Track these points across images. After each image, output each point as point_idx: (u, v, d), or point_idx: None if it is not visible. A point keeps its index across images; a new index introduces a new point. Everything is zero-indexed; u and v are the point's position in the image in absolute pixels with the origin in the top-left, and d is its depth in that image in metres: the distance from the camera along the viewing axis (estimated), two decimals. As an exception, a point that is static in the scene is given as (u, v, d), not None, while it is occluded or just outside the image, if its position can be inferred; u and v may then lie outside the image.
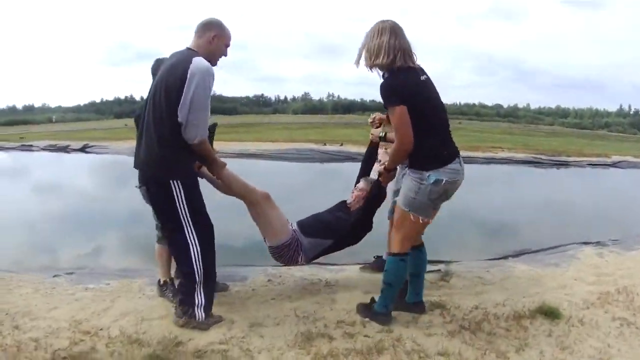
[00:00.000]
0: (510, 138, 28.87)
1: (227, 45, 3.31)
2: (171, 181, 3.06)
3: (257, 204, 3.54)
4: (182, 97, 2.90)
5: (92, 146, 20.78)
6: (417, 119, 2.90)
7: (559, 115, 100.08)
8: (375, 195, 3.65)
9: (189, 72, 2.90)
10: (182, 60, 2.98)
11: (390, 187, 3.74)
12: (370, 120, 4.23)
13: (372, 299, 3.34)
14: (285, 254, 3.62)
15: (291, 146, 17.27)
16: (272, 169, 14.30)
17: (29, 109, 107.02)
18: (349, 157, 15.58)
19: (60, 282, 4.20)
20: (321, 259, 4.10)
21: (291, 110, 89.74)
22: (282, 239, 3.59)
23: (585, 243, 5.84)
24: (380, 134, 3.87)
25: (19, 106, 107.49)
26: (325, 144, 17.33)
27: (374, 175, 3.93)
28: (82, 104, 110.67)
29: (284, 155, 15.92)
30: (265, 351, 2.84)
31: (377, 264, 4.31)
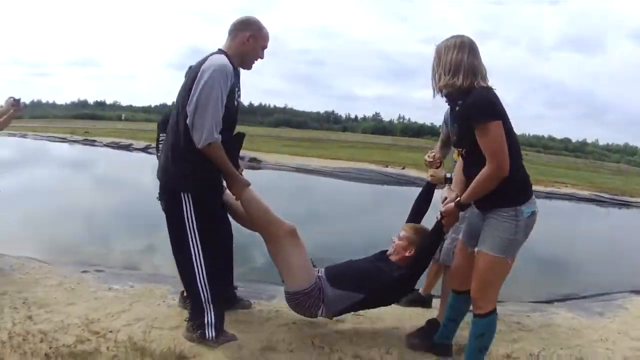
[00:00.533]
0: (575, 173, 28.42)
1: (264, 47, 3.15)
2: (182, 193, 2.97)
3: (278, 238, 3.13)
4: (190, 97, 2.81)
5: (155, 147, 21.18)
6: (508, 143, 2.54)
7: (627, 153, 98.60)
8: (432, 243, 3.16)
9: (201, 69, 2.82)
10: (201, 61, 2.92)
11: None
12: (429, 159, 3.66)
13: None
14: (303, 302, 3.17)
15: (352, 165, 17.22)
16: (326, 186, 14.36)
17: (100, 104, 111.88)
18: (409, 181, 15.46)
19: (86, 279, 4.31)
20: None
21: (360, 130, 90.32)
22: (302, 285, 3.13)
23: (637, 292, 5.57)
24: (448, 175, 3.49)
25: (91, 101, 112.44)
26: (387, 166, 17.22)
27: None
28: (152, 105, 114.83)
29: (342, 174, 15.86)
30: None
31: (413, 298, 4.16)
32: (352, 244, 6.42)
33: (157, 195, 3.38)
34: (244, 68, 3.12)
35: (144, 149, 21.15)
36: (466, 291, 2.84)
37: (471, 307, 2.84)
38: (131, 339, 3.06)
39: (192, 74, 2.88)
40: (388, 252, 3.40)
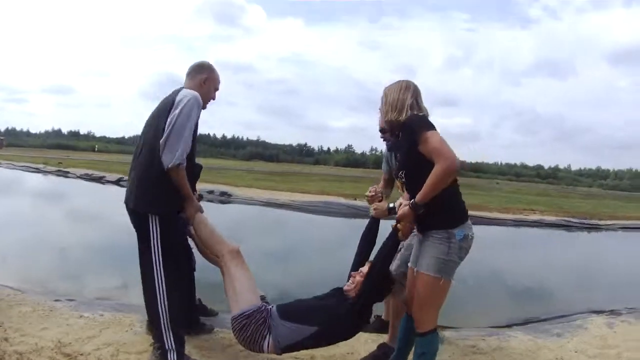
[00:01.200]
0: (545, 200, 28.84)
1: (217, 89, 3.59)
2: (149, 215, 3.22)
3: (223, 257, 3.24)
4: (166, 122, 3.11)
5: (127, 180, 21.27)
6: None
7: (599, 177, 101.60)
8: (387, 253, 3.04)
9: (177, 99, 3.17)
10: (172, 93, 3.29)
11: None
12: (370, 194, 3.77)
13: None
14: (246, 327, 3.02)
15: (321, 199, 17.47)
16: (294, 220, 14.57)
17: (74, 134, 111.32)
18: None
19: (58, 307, 4.55)
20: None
21: (333, 162, 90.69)
22: (244, 307, 3.05)
23: (597, 312, 5.72)
24: (391, 205, 3.53)
25: (65, 130, 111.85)
26: (355, 199, 17.55)
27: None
28: (126, 136, 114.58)
29: (310, 208, 16.07)
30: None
31: (377, 325, 4.41)
32: (316, 278, 6.75)
33: None
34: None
35: (117, 182, 21.24)
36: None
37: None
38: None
39: (163, 104, 3.24)
40: (345, 289, 3.24)
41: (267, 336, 2.98)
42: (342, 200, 17.62)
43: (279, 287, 6.19)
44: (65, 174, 24.95)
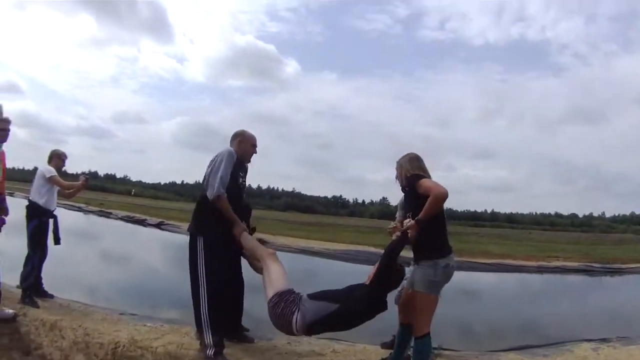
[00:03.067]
0: (574, 248, 28.88)
1: (254, 145, 4.69)
2: (197, 237, 4.27)
3: (263, 259, 4.02)
4: (208, 166, 4.27)
5: (167, 224, 22.61)
6: (433, 220, 3.79)
7: (633, 222, 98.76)
8: (398, 248, 3.76)
9: (218, 153, 4.30)
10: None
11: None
12: (390, 228, 4.84)
13: None
14: (278, 305, 3.55)
15: (353, 248, 18.11)
16: (326, 267, 15.27)
17: (110, 177, 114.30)
18: (406, 263, 16.00)
19: (124, 318, 5.45)
20: (336, 335, 5.09)
21: (368, 214, 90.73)
22: (278, 288, 3.67)
23: (589, 340, 6.15)
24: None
25: (101, 173, 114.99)
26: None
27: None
28: (162, 183, 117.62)
29: (342, 256, 16.68)
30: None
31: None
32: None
33: None
34: (245, 162, 4.64)
35: (158, 225, 22.39)
36: (408, 324, 4.09)
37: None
38: (168, 352, 4.19)
39: (211, 161, 4.33)
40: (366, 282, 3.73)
41: (296, 312, 3.49)
42: (372, 249, 18.18)
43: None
44: (107, 215, 26.25)
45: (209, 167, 4.31)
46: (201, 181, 4.45)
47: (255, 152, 4.71)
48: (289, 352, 4.74)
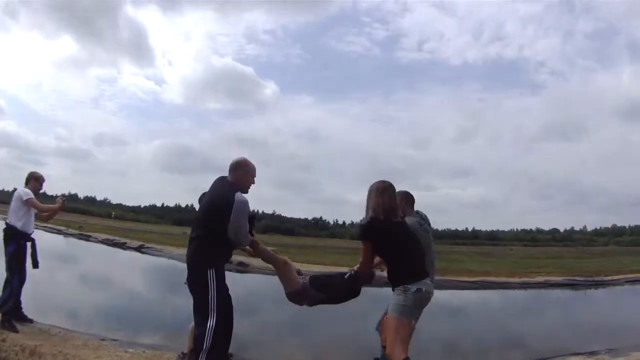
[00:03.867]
0: (555, 262, 29.05)
1: (254, 176, 4.69)
2: (208, 269, 4.20)
3: (279, 265, 4.76)
4: (231, 221, 4.21)
5: (148, 247, 22.22)
6: (398, 249, 4.07)
7: (615, 235, 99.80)
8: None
9: (235, 200, 4.22)
10: (227, 192, 4.31)
11: None
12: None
13: None
14: (295, 297, 4.73)
15: (334, 269, 17.91)
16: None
17: (90, 199, 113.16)
18: (387, 284, 16.02)
19: (105, 344, 5.34)
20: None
21: (348, 235, 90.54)
22: (295, 288, 4.70)
23: (577, 354, 6.24)
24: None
25: (81, 195, 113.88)
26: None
27: None
28: (142, 205, 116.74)
29: None
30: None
31: None
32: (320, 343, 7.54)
33: (185, 281, 4.58)
34: (243, 192, 4.51)
35: (138, 249, 22.11)
36: None
37: None
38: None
39: (219, 198, 4.30)
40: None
41: (305, 299, 4.69)
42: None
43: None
44: (86, 238, 25.91)
45: (218, 209, 4.28)
46: (199, 209, 4.51)
47: (254, 183, 4.72)
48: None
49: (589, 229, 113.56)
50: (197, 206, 4.71)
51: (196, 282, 4.27)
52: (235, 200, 4.25)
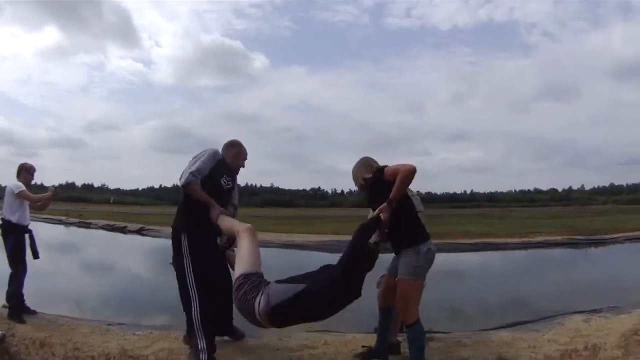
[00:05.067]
0: (555, 222, 29.10)
1: (245, 159, 4.73)
2: (181, 233, 4.24)
3: (238, 234, 3.59)
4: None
5: (148, 229, 22.45)
6: (407, 207, 4.03)
7: (613, 194, 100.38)
8: (370, 228, 3.55)
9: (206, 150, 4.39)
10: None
11: None
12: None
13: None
14: (242, 287, 3.13)
15: (335, 238, 17.89)
16: (309, 259, 15.15)
17: (88, 187, 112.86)
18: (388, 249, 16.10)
19: (112, 329, 5.41)
20: (327, 327, 5.29)
21: (347, 204, 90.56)
22: (245, 269, 3.25)
23: (580, 312, 6.26)
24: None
25: (78, 183, 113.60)
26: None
27: None
28: (140, 188, 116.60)
29: (324, 247, 16.64)
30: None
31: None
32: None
33: (170, 261, 4.68)
34: (233, 172, 4.64)
35: (139, 231, 22.25)
36: (387, 307, 4.32)
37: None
38: (159, 358, 4.18)
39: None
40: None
41: (259, 295, 3.03)
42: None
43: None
44: (87, 225, 26.03)
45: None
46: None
47: (244, 167, 4.76)
48: (280, 348, 4.76)
49: (587, 188, 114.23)
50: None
51: (173, 247, 4.32)
52: (208, 150, 4.40)
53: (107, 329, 5.37)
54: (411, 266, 3.93)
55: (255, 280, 3.13)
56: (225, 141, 4.69)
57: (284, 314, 3.05)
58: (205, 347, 4.04)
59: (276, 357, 4.44)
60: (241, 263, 3.30)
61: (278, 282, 3.14)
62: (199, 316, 4.07)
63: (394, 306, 4.27)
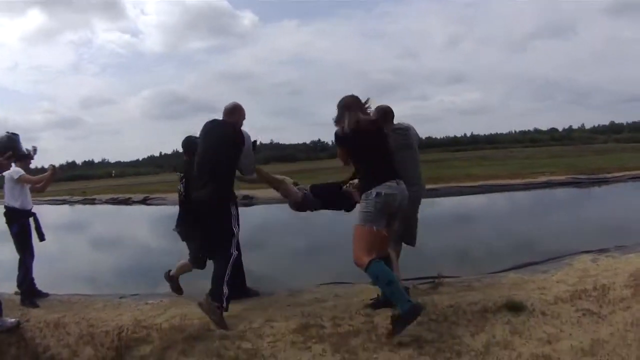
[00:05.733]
0: (557, 161, 29.16)
1: (244, 119, 4.96)
2: (231, 204, 4.65)
3: (279, 185, 5.20)
4: (244, 154, 4.74)
5: (152, 198, 22.57)
6: (360, 153, 4.17)
7: (614, 132, 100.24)
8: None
9: (245, 134, 4.78)
10: (233, 127, 4.76)
11: None
12: None
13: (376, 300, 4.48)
14: (299, 206, 5.14)
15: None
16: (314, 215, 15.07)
17: (88, 164, 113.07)
18: None
19: (125, 301, 5.49)
20: (337, 279, 5.63)
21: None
22: (296, 199, 5.09)
23: (587, 252, 6.28)
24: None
25: (79, 161, 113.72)
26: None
27: None
28: (140, 159, 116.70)
29: None
30: (271, 335, 3.96)
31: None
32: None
33: (174, 227, 4.72)
34: None
35: (143, 201, 22.36)
36: (383, 257, 4.10)
37: None
38: (172, 326, 4.24)
39: (229, 129, 4.72)
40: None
41: (308, 204, 5.14)
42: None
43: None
44: (91, 201, 26.14)
45: (230, 142, 4.65)
46: (205, 149, 4.72)
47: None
48: (292, 304, 4.84)
49: (587, 127, 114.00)
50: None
51: (219, 219, 4.60)
52: (245, 135, 4.74)
53: (119, 302, 5.45)
54: (360, 212, 4.04)
55: (303, 202, 5.13)
56: (222, 103, 4.95)
57: (316, 209, 5.22)
58: (228, 294, 4.35)
59: (288, 313, 4.48)
60: (294, 194, 5.12)
61: (311, 190, 5.18)
62: (229, 271, 4.44)
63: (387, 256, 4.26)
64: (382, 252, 4.12)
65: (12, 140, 4.65)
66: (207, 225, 4.70)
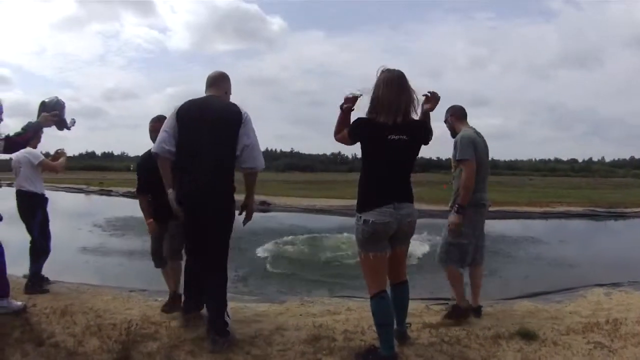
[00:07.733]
0: (575, 192, 29.19)
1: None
2: (232, 203, 3.90)
3: None
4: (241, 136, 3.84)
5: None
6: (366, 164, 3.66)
7: (633, 167, 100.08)
8: None
9: (244, 117, 3.87)
10: (225, 105, 4.00)
11: None
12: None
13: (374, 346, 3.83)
14: None
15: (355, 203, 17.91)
16: (330, 223, 15.15)
17: (108, 156, 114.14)
18: None
19: (134, 295, 5.49)
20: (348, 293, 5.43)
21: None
22: None
23: (600, 285, 6.28)
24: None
25: (98, 152, 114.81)
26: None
27: None
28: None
29: (344, 211, 16.53)
30: (281, 344, 3.90)
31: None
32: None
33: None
34: None
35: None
36: (398, 283, 3.83)
37: None
38: (181, 324, 4.22)
39: (228, 115, 3.88)
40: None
41: None
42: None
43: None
44: (108, 193, 26.32)
45: (232, 126, 3.83)
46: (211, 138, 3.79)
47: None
48: (303, 314, 4.79)
49: (607, 160, 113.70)
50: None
51: (215, 219, 3.83)
52: (243, 115, 3.90)
53: (129, 295, 5.44)
54: (355, 236, 3.64)
55: None
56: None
57: None
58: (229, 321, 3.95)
59: (299, 323, 4.43)
60: None
61: None
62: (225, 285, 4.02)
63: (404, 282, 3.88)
64: (397, 277, 3.82)
65: (60, 104, 4.61)
66: (198, 226, 3.85)
